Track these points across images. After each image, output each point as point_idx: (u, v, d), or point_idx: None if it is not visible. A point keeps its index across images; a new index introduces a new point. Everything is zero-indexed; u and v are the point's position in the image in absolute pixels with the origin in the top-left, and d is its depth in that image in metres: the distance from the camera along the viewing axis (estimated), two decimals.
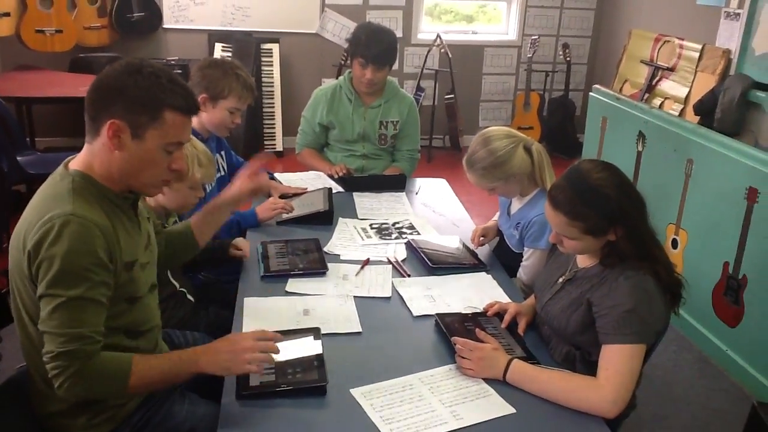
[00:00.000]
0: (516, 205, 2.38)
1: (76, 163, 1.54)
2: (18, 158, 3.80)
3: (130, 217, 1.59)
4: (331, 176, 3.09)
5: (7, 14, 4.74)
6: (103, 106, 1.47)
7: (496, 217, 2.59)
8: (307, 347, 1.73)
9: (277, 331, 1.78)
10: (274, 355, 1.66)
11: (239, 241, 2.30)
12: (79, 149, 1.56)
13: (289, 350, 1.72)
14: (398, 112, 3.23)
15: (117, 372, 1.47)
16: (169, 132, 1.51)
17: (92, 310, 1.44)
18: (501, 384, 1.66)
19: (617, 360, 1.62)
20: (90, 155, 1.52)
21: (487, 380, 1.67)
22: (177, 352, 1.61)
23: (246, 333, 1.67)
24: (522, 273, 2.33)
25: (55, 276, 1.39)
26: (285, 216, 2.60)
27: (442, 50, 5.92)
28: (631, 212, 1.70)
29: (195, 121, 2.55)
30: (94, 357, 1.44)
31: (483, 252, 2.45)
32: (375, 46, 3.00)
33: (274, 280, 2.14)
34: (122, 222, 1.55)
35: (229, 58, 2.69)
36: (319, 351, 1.71)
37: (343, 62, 5.73)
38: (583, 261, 1.85)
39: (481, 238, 2.47)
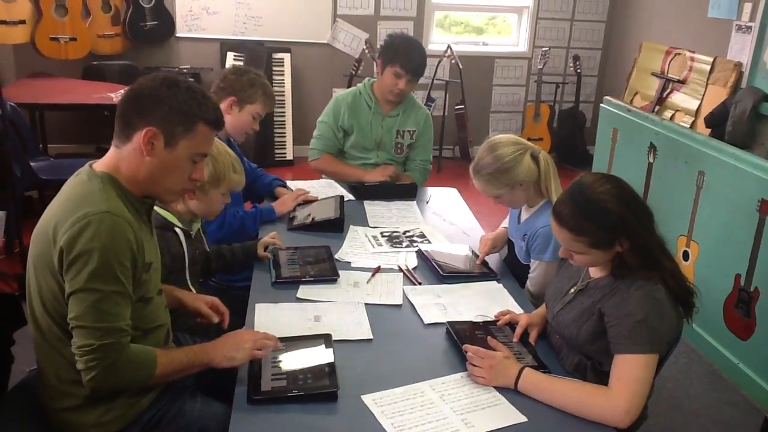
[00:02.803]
0: (524, 214, 2.38)
1: (102, 165, 1.60)
2: (31, 164, 3.83)
3: (146, 222, 1.66)
4: (350, 184, 3.12)
5: (23, 22, 4.80)
6: (140, 114, 1.54)
7: (504, 224, 2.59)
8: (319, 354, 1.73)
9: (288, 338, 1.81)
10: (285, 362, 1.71)
11: (266, 239, 2.35)
12: (89, 155, 1.59)
13: (301, 356, 1.73)
14: (415, 123, 3.25)
15: (145, 364, 1.55)
16: (200, 143, 1.60)
17: (125, 303, 1.51)
18: (512, 392, 1.66)
19: (630, 370, 1.61)
20: (117, 159, 1.59)
21: (498, 388, 1.67)
22: (191, 347, 1.69)
23: (245, 329, 1.80)
24: (529, 285, 2.33)
25: (94, 271, 1.44)
26: (296, 222, 2.63)
27: (453, 61, 5.94)
28: (634, 224, 1.70)
29: None
30: (127, 349, 1.51)
31: (493, 261, 2.44)
32: (415, 59, 3.05)
33: (286, 286, 2.14)
34: (141, 225, 1.60)
35: (254, 69, 2.77)
36: (331, 357, 1.71)
37: (354, 72, 5.75)
38: (594, 272, 1.85)
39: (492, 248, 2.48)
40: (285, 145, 5.86)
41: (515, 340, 1.90)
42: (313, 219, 2.64)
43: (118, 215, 1.49)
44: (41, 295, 1.55)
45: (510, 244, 2.50)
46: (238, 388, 1.62)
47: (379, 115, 3.20)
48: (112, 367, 1.48)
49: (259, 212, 2.65)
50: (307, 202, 2.82)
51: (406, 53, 3.04)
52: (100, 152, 1.60)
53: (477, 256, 2.42)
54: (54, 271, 1.49)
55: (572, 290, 1.87)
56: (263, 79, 2.72)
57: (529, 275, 2.33)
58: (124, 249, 1.49)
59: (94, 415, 1.58)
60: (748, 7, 4.60)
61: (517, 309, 2.08)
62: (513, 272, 2.39)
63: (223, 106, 2.63)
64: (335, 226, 2.59)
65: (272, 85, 2.79)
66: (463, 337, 1.84)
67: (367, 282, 2.21)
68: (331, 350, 1.74)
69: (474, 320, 1.98)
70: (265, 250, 2.33)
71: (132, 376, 1.55)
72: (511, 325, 1.96)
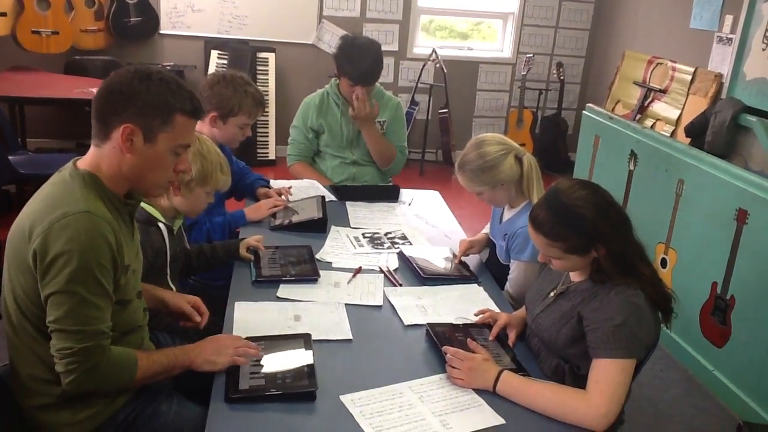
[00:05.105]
0: (506, 214, 2.40)
1: (85, 163, 1.57)
2: (9, 158, 3.78)
3: (127, 223, 1.63)
4: (331, 184, 3.11)
5: (4, 14, 4.75)
6: (114, 111, 1.51)
7: (485, 230, 2.60)
8: (298, 353, 1.73)
9: (267, 337, 1.80)
10: (264, 361, 1.70)
11: (250, 240, 2.32)
12: (69, 151, 1.58)
13: (280, 356, 1.72)
14: (384, 113, 3.26)
15: (126, 366, 1.54)
16: (179, 135, 1.57)
17: (106, 305, 1.48)
18: (491, 395, 1.66)
19: (607, 374, 1.62)
20: (98, 157, 1.56)
21: (477, 390, 1.67)
22: (172, 349, 1.68)
23: (227, 335, 1.79)
24: (509, 286, 2.34)
25: (73, 273, 1.41)
26: (277, 221, 2.61)
27: (438, 65, 5.96)
28: (609, 231, 1.71)
29: (206, 132, 2.56)
30: (108, 352, 1.49)
31: (474, 263, 2.45)
32: (360, 67, 3.04)
33: (266, 285, 2.13)
34: (121, 226, 1.57)
35: (239, 73, 2.68)
36: (310, 357, 1.70)
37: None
38: (575, 275, 1.86)
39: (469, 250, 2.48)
40: (267, 144, 5.84)
41: (491, 338, 1.91)
42: (294, 219, 2.63)
43: (97, 215, 1.46)
44: (14, 294, 1.52)
45: (491, 245, 2.52)
46: (215, 387, 1.61)
47: (348, 112, 3.19)
48: (93, 370, 1.46)
49: (228, 222, 2.57)
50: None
51: (352, 63, 3.04)
52: (80, 148, 1.57)
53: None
54: (29, 270, 1.46)
55: (552, 293, 1.88)
56: (247, 86, 2.62)
57: (509, 276, 2.34)
58: (104, 250, 1.46)
59: (68, 414, 1.56)
60: (729, 20, 4.67)
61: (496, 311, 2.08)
62: (494, 274, 2.40)
63: (206, 120, 2.58)
64: (318, 227, 2.58)
65: (256, 85, 2.73)
66: (443, 339, 1.84)
67: (348, 282, 2.20)
68: (310, 350, 1.73)
69: (454, 322, 1.98)
70: (247, 251, 2.31)
71: (112, 379, 1.53)
72: (491, 326, 1.97)
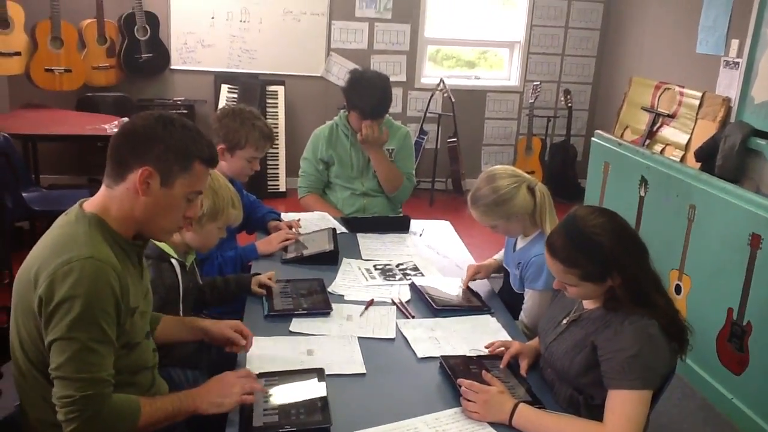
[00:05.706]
0: (520, 243, 2.39)
1: (92, 205, 1.56)
2: (23, 195, 3.81)
3: (135, 265, 1.63)
4: (342, 216, 3.12)
5: (18, 54, 4.83)
6: (135, 153, 1.53)
7: (497, 256, 2.60)
8: (311, 388, 1.72)
9: (281, 372, 1.79)
10: (277, 396, 1.68)
11: (262, 278, 2.31)
12: (82, 187, 1.59)
13: (293, 391, 1.71)
14: (392, 142, 3.29)
15: (128, 414, 1.50)
16: (195, 181, 1.59)
17: (107, 352, 1.46)
18: (507, 428, 1.64)
19: (624, 405, 1.61)
20: (108, 199, 1.56)
21: (492, 424, 1.65)
22: (176, 394, 1.64)
23: (230, 371, 1.74)
24: (523, 316, 2.33)
25: (75, 319, 1.41)
26: (289, 255, 2.61)
27: (445, 95, 5.99)
28: (626, 259, 1.70)
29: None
30: (109, 400, 1.46)
31: (485, 293, 2.44)
32: (369, 101, 3.08)
33: (278, 319, 2.13)
34: (128, 268, 1.57)
35: (248, 107, 2.73)
36: (323, 392, 1.69)
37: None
38: (588, 303, 1.85)
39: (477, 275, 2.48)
40: (278, 177, 5.88)
41: (502, 365, 1.90)
42: (306, 252, 2.63)
43: (102, 260, 1.46)
44: (20, 338, 1.52)
45: (505, 274, 2.51)
46: (229, 424, 1.60)
47: (357, 142, 3.21)
48: (93, 419, 1.44)
49: (239, 256, 2.59)
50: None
51: (361, 99, 3.09)
52: (93, 183, 1.58)
53: (471, 290, 2.43)
54: (33, 316, 1.46)
55: (565, 321, 1.87)
56: (255, 120, 2.66)
57: (523, 306, 2.33)
58: (108, 295, 1.45)
59: None
60: (735, 44, 4.68)
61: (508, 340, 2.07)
62: (508, 303, 2.39)
63: None
64: (330, 259, 2.58)
65: (266, 118, 2.77)
66: (457, 372, 1.82)
67: (361, 315, 2.20)
68: (323, 384, 1.72)
69: (468, 354, 1.97)
70: (258, 286, 2.30)
71: (114, 428, 1.49)
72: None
